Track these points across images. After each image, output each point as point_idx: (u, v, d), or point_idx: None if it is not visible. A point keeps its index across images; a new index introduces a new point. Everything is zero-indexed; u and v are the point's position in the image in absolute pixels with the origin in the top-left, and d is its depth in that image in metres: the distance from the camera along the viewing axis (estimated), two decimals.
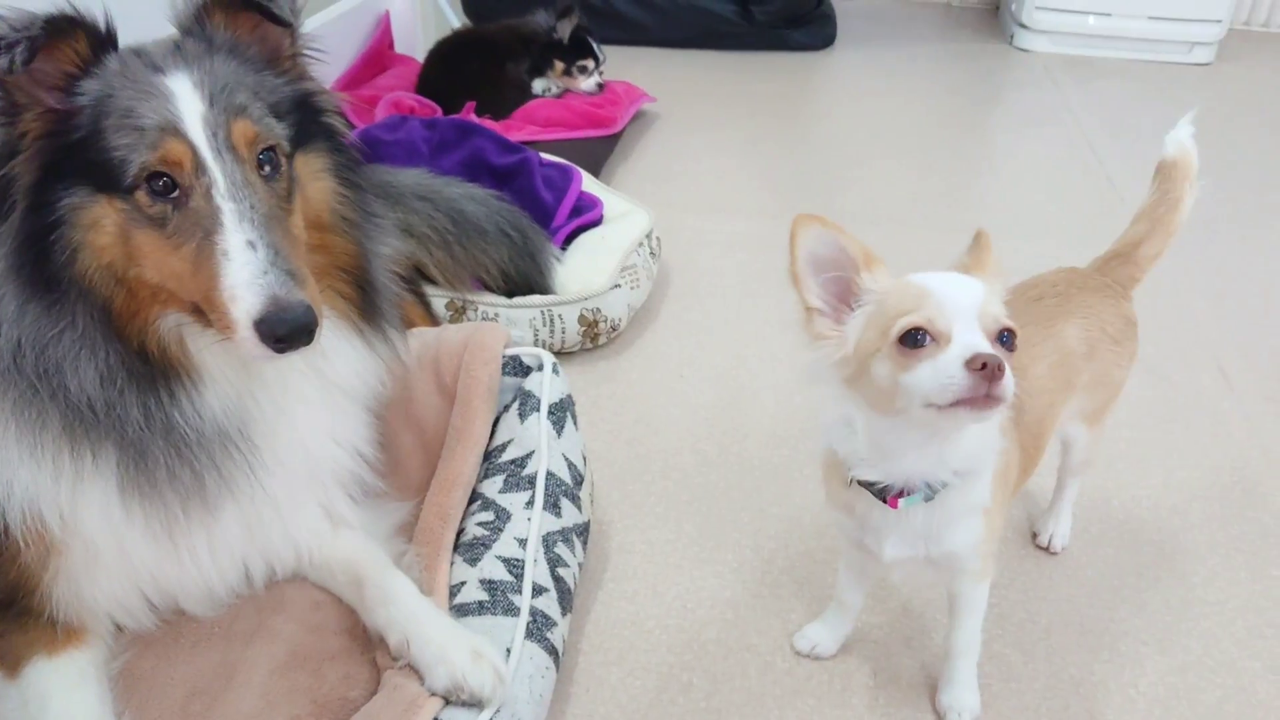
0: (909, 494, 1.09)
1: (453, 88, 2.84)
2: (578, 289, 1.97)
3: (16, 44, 0.95)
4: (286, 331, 1.01)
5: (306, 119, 1.17)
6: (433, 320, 1.88)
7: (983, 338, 0.97)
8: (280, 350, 1.02)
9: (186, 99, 1.04)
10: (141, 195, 1.02)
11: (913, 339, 0.98)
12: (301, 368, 1.21)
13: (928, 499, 1.09)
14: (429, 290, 1.94)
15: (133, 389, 1.09)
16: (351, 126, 1.30)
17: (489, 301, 1.95)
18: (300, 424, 1.25)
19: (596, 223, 2.22)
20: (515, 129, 2.69)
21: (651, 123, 3.16)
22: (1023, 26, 4.04)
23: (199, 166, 1.03)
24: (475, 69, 2.93)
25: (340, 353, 1.25)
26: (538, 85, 3.02)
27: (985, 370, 0.93)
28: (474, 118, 2.68)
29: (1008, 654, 1.37)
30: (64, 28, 1.01)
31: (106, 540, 1.15)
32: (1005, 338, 0.99)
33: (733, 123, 3.24)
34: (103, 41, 1.05)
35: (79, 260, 1.04)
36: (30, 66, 0.98)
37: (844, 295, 1.07)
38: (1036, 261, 2.32)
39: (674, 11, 3.80)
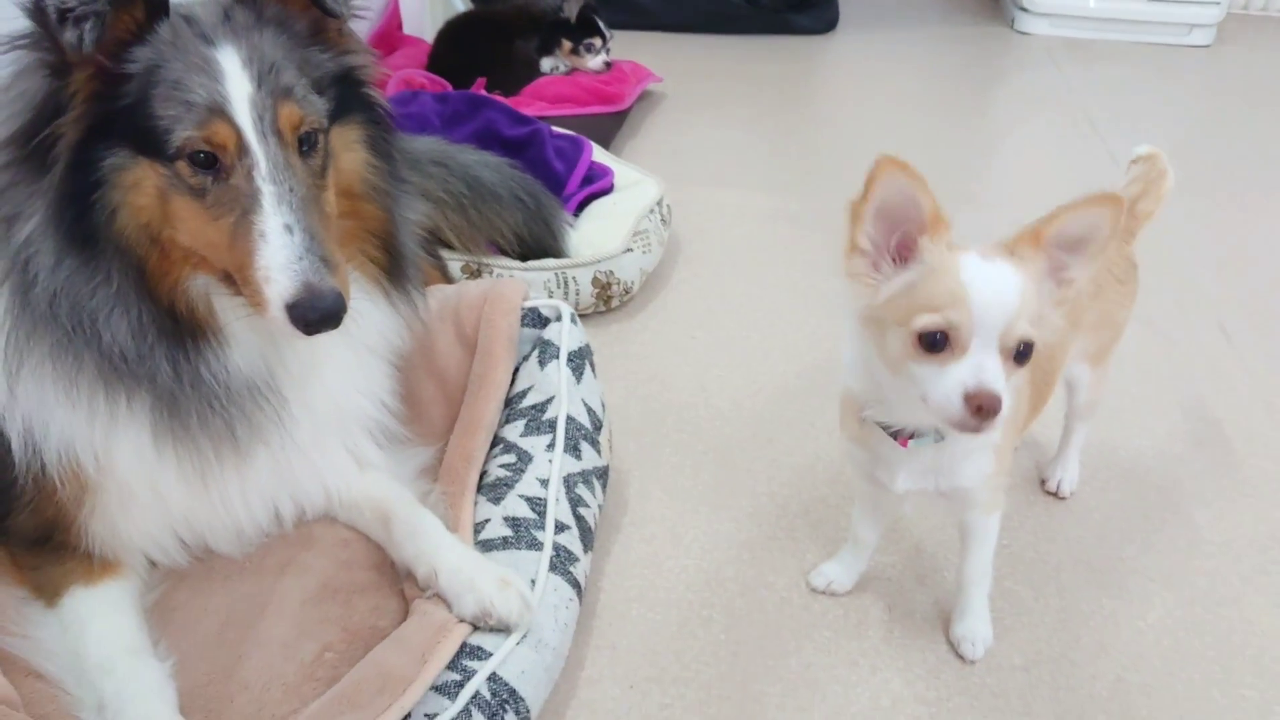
0: (919, 436, 1.12)
1: (463, 65, 2.88)
2: (591, 252, 2.00)
3: (85, 19, 0.98)
4: (317, 317, 1.05)
5: (346, 92, 1.20)
6: (449, 282, 1.91)
7: (996, 360, 0.97)
8: (309, 333, 1.07)
9: (235, 78, 1.06)
10: (183, 165, 1.05)
11: (930, 339, 0.99)
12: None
13: (937, 441, 1.12)
14: (445, 254, 1.97)
15: (162, 344, 1.13)
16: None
17: (504, 264, 1.98)
18: (326, 377, 1.29)
19: (607, 191, 2.25)
20: (525, 105, 2.72)
21: (659, 102, 3.20)
22: (1023, 10, 4.07)
23: (242, 148, 1.06)
24: (485, 47, 2.96)
25: (366, 313, 1.29)
26: (546, 64, 3.05)
27: (979, 411, 0.95)
28: (484, 93, 2.71)
29: (1019, 590, 1.40)
30: None
31: (140, 481, 1.19)
32: (1022, 351, 0.99)
33: (738, 103, 3.28)
34: (157, 8, 1.07)
35: (118, 219, 1.07)
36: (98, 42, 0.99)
37: (898, 246, 1.05)
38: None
39: None
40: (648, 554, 1.45)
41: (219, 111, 1.05)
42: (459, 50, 2.94)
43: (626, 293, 2.04)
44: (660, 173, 2.38)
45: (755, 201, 2.56)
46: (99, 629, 1.16)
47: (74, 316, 1.09)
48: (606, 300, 2.02)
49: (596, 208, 2.17)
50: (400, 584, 1.28)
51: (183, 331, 1.14)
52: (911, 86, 3.57)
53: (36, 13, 0.99)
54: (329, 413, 1.31)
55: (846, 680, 1.27)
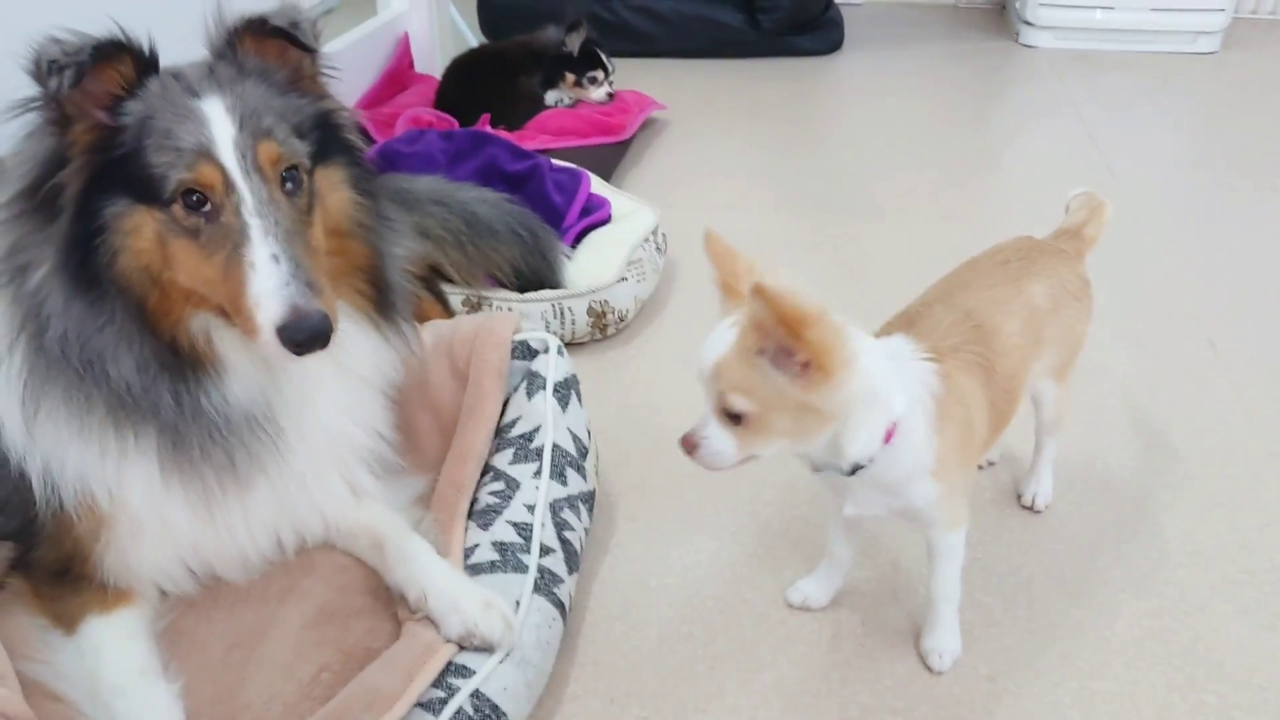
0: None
1: (468, 102, 2.98)
2: (586, 283, 2.08)
3: (66, 68, 1.07)
4: (304, 338, 1.12)
5: (327, 136, 1.28)
6: (450, 316, 2.00)
7: (710, 414, 1.13)
8: (299, 353, 1.13)
9: (219, 123, 1.15)
10: (177, 208, 1.14)
11: None
12: (322, 358, 1.29)
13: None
14: (446, 288, 2.06)
15: (165, 378, 1.20)
16: (370, 141, 1.42)
17: (502, 297, 2.07)
18: (322, 408, 1.36)
19: (605, 221, 2.33)
20: (529, 139, 2.82)
21: (662, 129, 3.28)
22: (1028, 24, 4.12)
23: (229, 186, 1.14)
24: (489, 83, 3.06)
25: (357, 344, 1.37)
26: (550, 97, 3.14)
27: (690, 448, 1.14)
28: (489, 129, 2.81)
29: (989, 602, 1.45)
30: (111, 52, 1.12)
31: (150, 513, 1.27)
32: (732, 415, 1.11)
33: (742, 127, 3.35)
34: (146, 65, 1.16)
35: (119, 262, 1.15)
36: (78, 87, 1.09)
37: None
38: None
39: (681, 22, 3.92)
40: (632, 574, 1.52)
41: (205, 153, 1.13)
42: (464, 87, 3.05)
43: (622, 320, 2.11)
44: (661, 200, 2.46)
45: (756, 225, 2.64)
46: (113, 653, 1.24)
47: (83, 356, 1.18)
48: (602, 329, 2.10)
49: (594, 238, 2.25)
50: (394, 607, 1.36)
51: (184, 365, 1.22)
52: (915, 104, 3.63)
53: (35, 70, 1.08)
54: (324, 442, 1.38)
55: (818, 692, 1.33)
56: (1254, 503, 1.64)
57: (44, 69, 1.07)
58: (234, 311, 1.15)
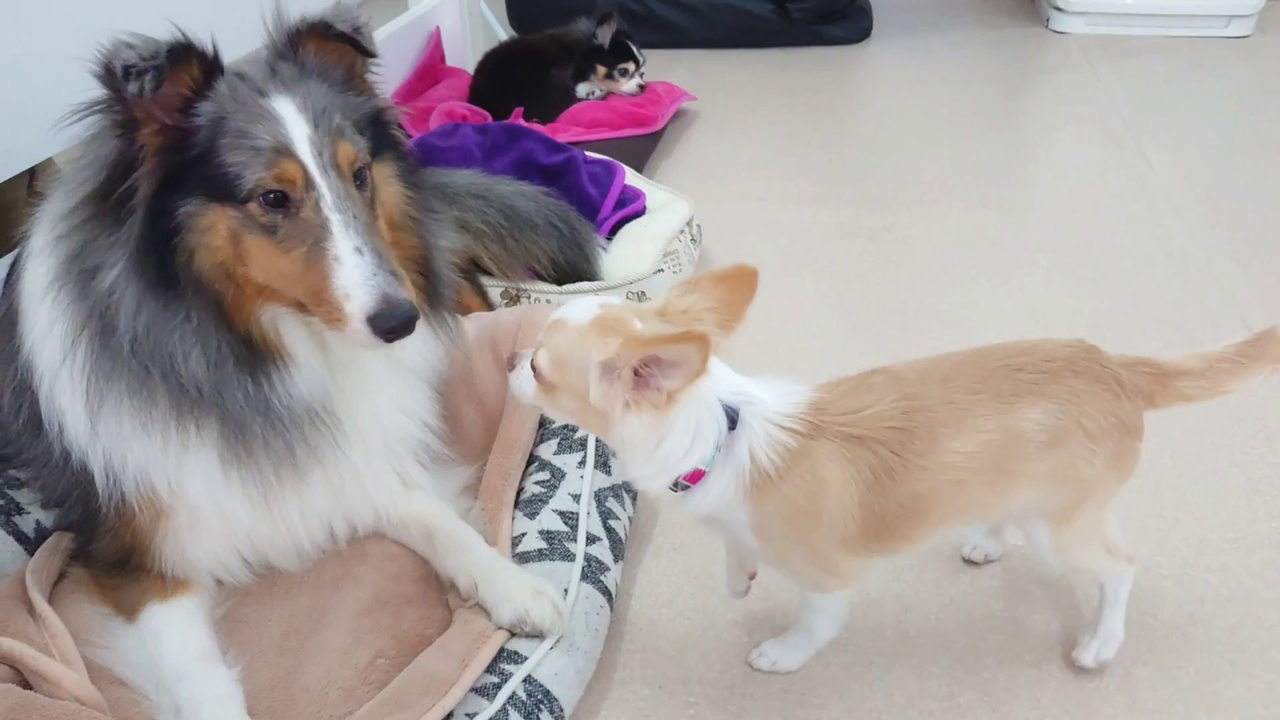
0: None
1: (502, 95, 3.00)
2: (624, 274, 2.10)
3: (145, 72, 1.09)
4: (397, 324, 1.15)
5: (378, 132, 1.31)
6: (489, 308, 2.02)
7: (530, 352, 1.14)
8: (389, 340, 1.17)
9: (294, 122, 1.18)
10: (254, 206, 1.16)
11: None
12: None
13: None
14: (485, 280, 2.08)
15: (237, 372, 1.23)
16: (408, 136, 1.45)
17: (541, 289, 2.09)
18: (374, 399, 1.39)
19: (640, 213, 2.35)
20: (562, 131, 2.84)
21: (692, 120, 3.29)
22: (1058, 9, 4.09)
23: (309, 183, 1.17)
24: (522, 77, 3.08)
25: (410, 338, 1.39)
26: (582, 89, 3.16)
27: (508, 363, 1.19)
28: (522, 122, 2.83)
29: (1032, 590, 1.46)
30: (182, 55, 1.14)
31: (208, 505, 1.30)
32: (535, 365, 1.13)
33: (772, 117, 3.36)
34: (212, 67, 1.18)
35: (195, 261, 1.18)
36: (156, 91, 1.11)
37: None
38: (1072, 239, 2.42)
39: (711, 13, 3.93)
40: (677, 562, 1.54)
41: (285, 152, 1.16)
42: (497, 80, 3.07)
43: None
44: (693, 190, 2.47)
45: (787, 215, 2.64)
46: (173, 640, 1.27)
47: (153, 355, 1.20)
48: None
49: (629, 230, 2.27)
50: (445, 595, 1.39)
51: (256, 359, 1.25)
52: (945, 92, 3.62)
53: (106, 74, 1.11)
54: (378, 434, 1.41)
55: (862, 678, 1.34)
56: None
57: (119, 74, 1.09)
58: (315, 303, 1.18)
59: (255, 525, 1.35)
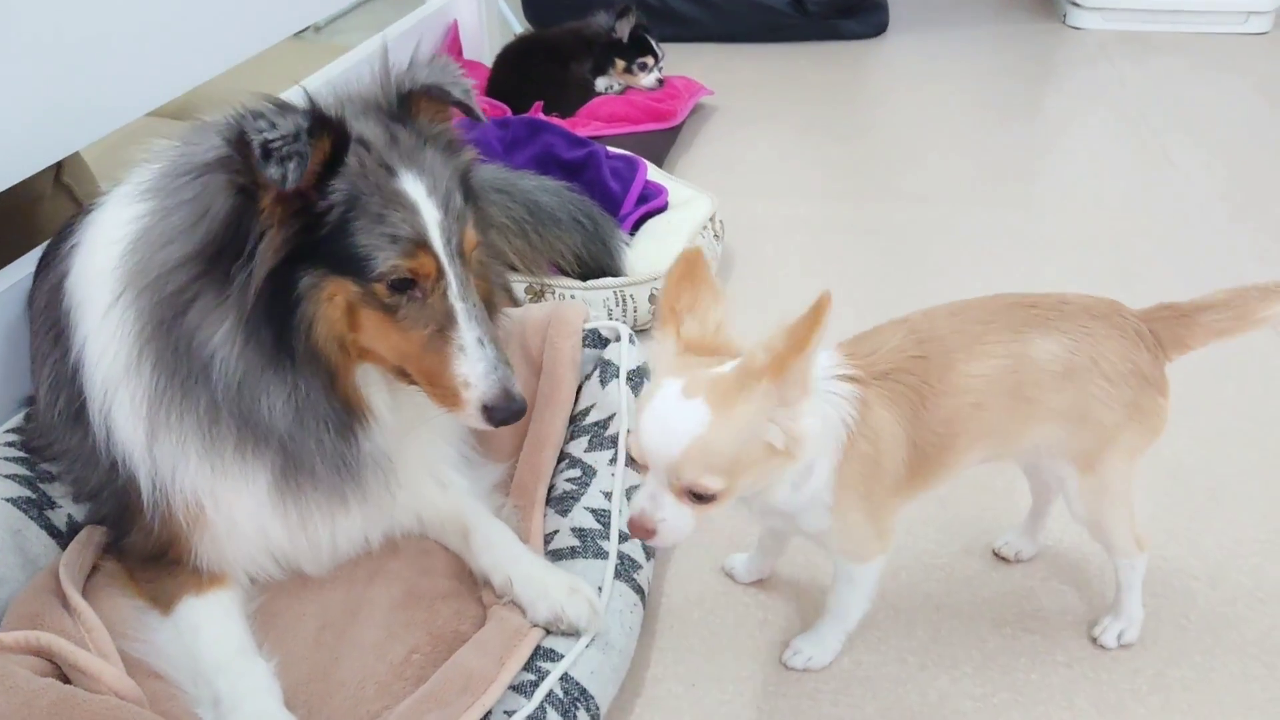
0: None
1: (521, 89, 2.99)
2: (647, 270, 2.10)
3: (289, 159, 1.07)
4: (509, 417, 1.21)
5: (465, 187, 1.29)
6: (514, 303, 2.02)
7: (666, 495, 1.04)
8: (496, 426, 1.23)
9: (427, 210, 1.18)
10: (380, 287, 1.17)
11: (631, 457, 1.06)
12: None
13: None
14: (509, 276, 2.08)
15: (322, 431, 1.23)
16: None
17: (565, 285, 2.08)
18: (422, 432, 1.39)
19: (662, 209, 2.34)
20: (581, 125, 2.83)
21: (710, 115, 3.28)
22: (1075, 5, 4.07)
23: (439, 273, 1.19)
24: (541, 71, 3.07)
25: None
26: (600, 83, 3.15)
27: (641, 534, 1.06)
28: (542, 116, 2.82)
29: (1063, 590, 1.46)
30: (317, 132, 1.10)
31: (249, 524, 1.31)
32: (700, 495, 1.02)
33: (790, 111, 3.34)
34: (343, 139, 1.15)
35: (314, 331, 1.18)
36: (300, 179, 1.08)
37: None
38: (1094, 235, 2.41)
39: (727, 7, 3.91)
40: (707, 560, 1.54)
41: (424, 245, 1.17)
42: (516, 74, 3.06)
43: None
44: (713, 186, 2.47)
45: (807, 211, 2.64)
46: (211, 633, 1.28)
47: (239, 407, 1.19)
48: None
49: (652, 226, 2.27)
50: (478, 591, 1.39)
51: (348, 418, 1.26)
52: (963, 87, 3.60)
53: (239, 145, 1.08)
54: (421, 462, 1.43)
55: (895, 677, 1.34)
56: None
57: (257, 152, 1.06)
58: (429, 382, 1.22)
59: (292, 542, 1.36)
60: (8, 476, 1.42)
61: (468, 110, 1.29)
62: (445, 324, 1.19)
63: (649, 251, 2.16)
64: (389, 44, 1.32)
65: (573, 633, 1.28)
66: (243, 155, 1.09)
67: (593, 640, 1.27)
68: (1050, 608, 1.43)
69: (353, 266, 1.16)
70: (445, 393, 1.21)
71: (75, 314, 1.34)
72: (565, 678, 1.23)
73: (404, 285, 1.18)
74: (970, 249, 2.44)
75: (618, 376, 1.59)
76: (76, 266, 1.37)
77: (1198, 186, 2.70)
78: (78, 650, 1.18)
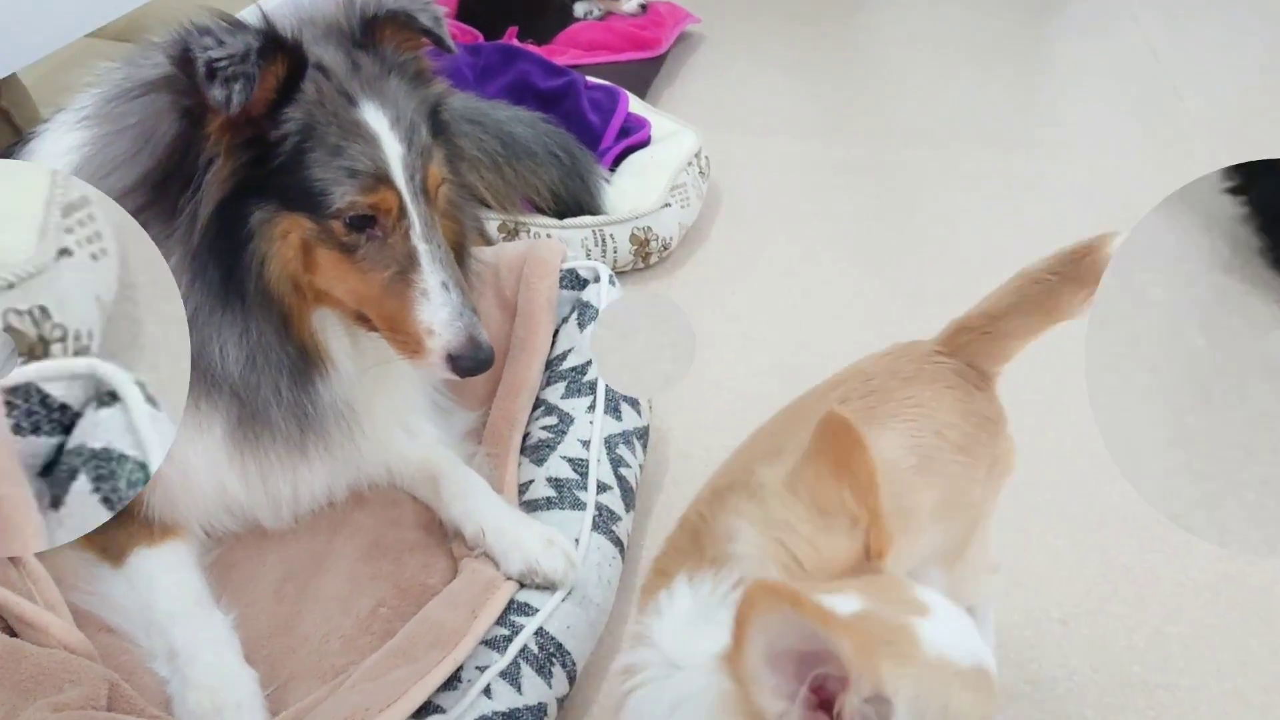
0: None
1: (493, 13, 2.86)
2: (629, 208, 2.01)
3: (235, 79, 1.01)
4: (476, 366, 1.16)
5: (434, 120, 1.23)
6: (487, 242, 1.93)
7: None
8: (462, 376, 1.18)
9: (389, 143, 1.12)
10: (337, 224, 1.11)
11: None
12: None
13: None
14: (482, 213, 1.98)
15: (283, 378, 1.18)
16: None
17: (540, 223, 1.99)
18: (388, 381, 1.33)
19: (644, 143, 2.24)
20: (558, 53, 2.71)
21: (697, 44, 3.15)
22: None
23: (402, 211, 1.13)
24: None
25: None
26: (579, 8, 3.02)
27: None
28: (517, 43, 2.70)
29: (1059, 545, 1.42)
30: (270, 54, 1.04)
31: (205, 476, 1.25)
32: None
33: (779, 43, 3.22)
34: (299, 64, 1.09)
35: (267, 269, 1.12)
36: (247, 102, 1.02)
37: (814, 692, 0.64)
38: (1099, 178, 2.33)
39: None
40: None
41: (384, 179, 1.12)
42: None
43: (665, 249, 2.04)
44: (699, 121, 2.37)
45: (798, 149, 2.55)
46: (165, 583, 1.22)
47: (194, 361, 1.11)
48: (645, 257, 2.03)
49: (634, 161, 2.17)
50: (448, 543, 1.32)
51: (305, 365, 1.20)
52: (962, 16, 3.46)
53: (183, 63, 1.02)
54: (389, 411, 1.36)
55: None
56: None
57: (202, 71, 1.00)
58: (390, 329, 1.16)
59: (250, 497, 1.29)
60: None
61: (437, 39, 1.22)
62: (407, 266, 1.14)
63: (629, 189, 2.07)
64: None
65: (548, 586, 1.22)
66: (187, 74, 1.02)
67: (569, 594, 1.22)
68: (1043, 563, 1.39)
69: (308, 202, 1.10)
70: (407, 340, 1.15)
71: None
72: (540, 632, 1.18)
73: (363, 223, 1.12)
74: (969, 191, 2.35)
75: (597, 319, 1.52)
76: None
77: (1210, 127, 2.60)
78: (22, 602, 1.12)
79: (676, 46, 3.03)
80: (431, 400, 1.42)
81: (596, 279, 1.57)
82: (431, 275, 1.14)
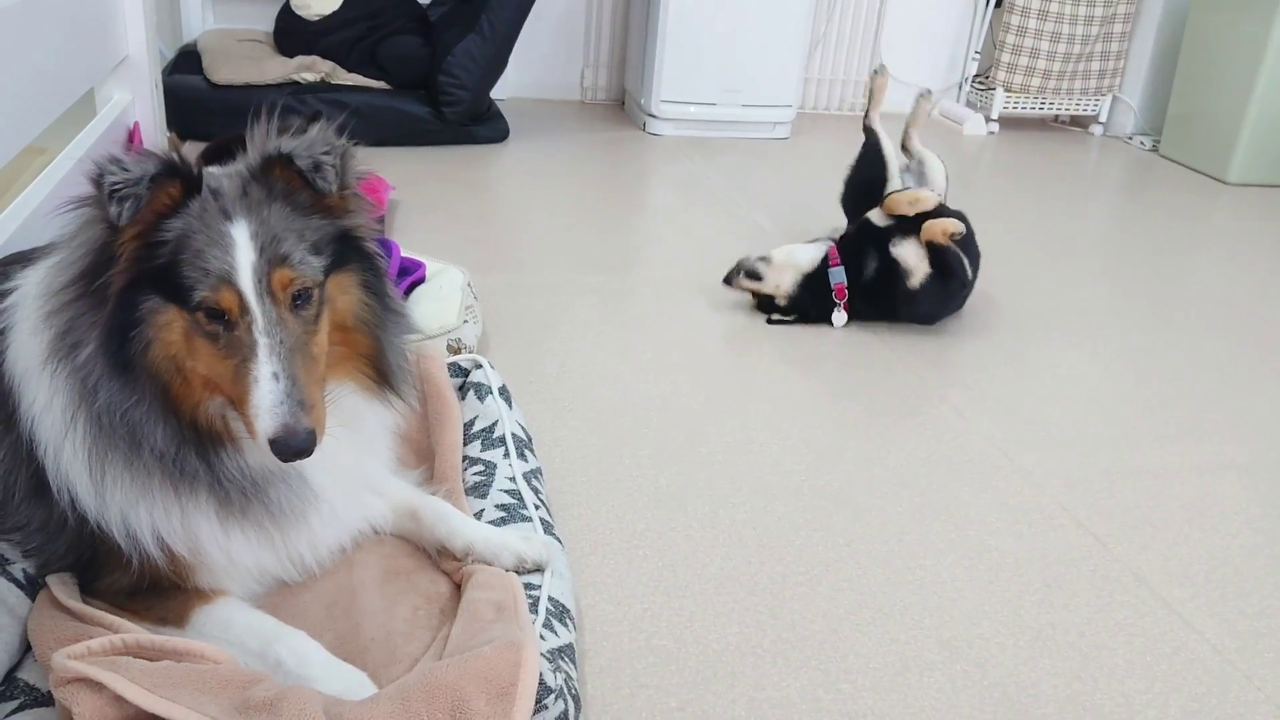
0: None
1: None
2: (438, 326, 2.48)
3: (126, 199, 1.21)
4: (292, 453, 1.29)
5: (345, 246, 1.42)
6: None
7: None
8: (285, 461, 1.32)
9: (243, 249, 1.29)
10: (201, 315, 1.30)
11: None
12: (335, 421, 1.43)
13: None
14: None
15: (190, 449, 1.39)
16: (379, 248, 1.54)
17: None
18: (341, 455, 1.54)
19: (422, 280, 2.73)
20: None
21: (394, 208, 3.69)
22: (652, 116, 5.07)
23: (244, 308, 1.29)
24: None
25: (364, 409, 1.57)
26: None
27: None
28: None
29: None
30: (164, 178, 1.26)
31: (221, 557, 1.46)
32: None
33: (450, 202, 3.84)
34: (192, 186, 1.30)
35: (150, 351, 1.32)
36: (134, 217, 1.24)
37: None
38: (687, 294, 3.21)
39: (373, 114, 4.33)
40: (580, 525, 1.98)
41: (227, 280, 1.29)
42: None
43: (470, 352, 2.53)
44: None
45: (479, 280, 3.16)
46: (243, 621, 1.43)
47: (124, 426, 1.35)
48: None
49: (424, 292, 2.63)
50: (438, 564, 1.69)
51: (204, 440, 1.38)
52: (576, 178, 4.35)
53: (96, 185, 1.28)
54: (350, 475, 1.59)
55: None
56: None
57: (105, 192, 1.22)
58: (239, 410, 1.32)
59: (271, 564, 1.52)
60: None
61: (306, 180, 1.38)
62: (248, 356, 1.28)
63: (431, 312, 2.52)
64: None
65: (537, 569, 1.63)
66: (99, 197, 1.26)
67: (552, 573, 1.65)
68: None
69: (180, 296, 1.29)
70: (246, 421, 1.30)
71: (19, 379, 1.44)
72: (550, 599, 1.59)
73: (218, 315, 1.29)
74: (572, 310, 3.11)
75: (491, 392, 1.99)
76: (13, 343, 1.46)
77: (772, 236, 3.62)
78: (170, 638, 1.32)
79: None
80: (388, 463, 1.74)
81: (478, 366, 2.05)
82: (265, 365, 1.28)
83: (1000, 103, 5.64)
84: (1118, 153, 5.53)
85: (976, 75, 5.93)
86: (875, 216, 3.03)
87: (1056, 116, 6.03)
